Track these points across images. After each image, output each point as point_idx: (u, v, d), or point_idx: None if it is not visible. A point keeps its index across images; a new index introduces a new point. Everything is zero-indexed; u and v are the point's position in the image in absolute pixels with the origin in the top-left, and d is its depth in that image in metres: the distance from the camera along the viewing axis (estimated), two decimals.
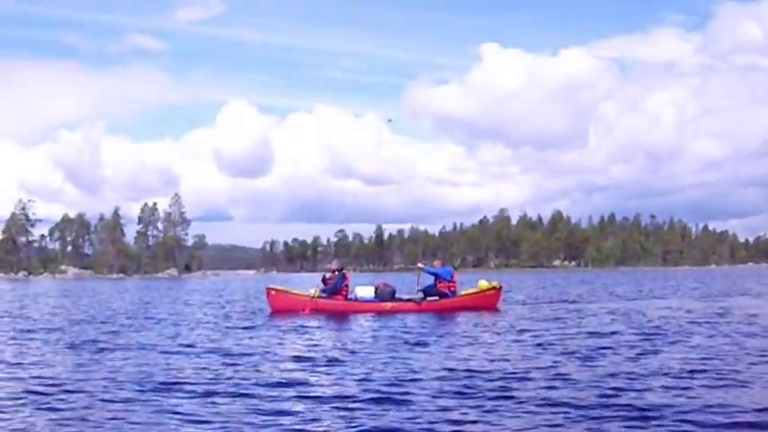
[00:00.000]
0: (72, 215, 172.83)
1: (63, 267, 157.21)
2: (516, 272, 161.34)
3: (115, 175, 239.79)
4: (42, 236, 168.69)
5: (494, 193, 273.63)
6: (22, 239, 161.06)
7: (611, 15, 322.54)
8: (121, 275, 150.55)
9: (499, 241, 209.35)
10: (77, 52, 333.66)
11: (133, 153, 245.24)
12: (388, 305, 23.95)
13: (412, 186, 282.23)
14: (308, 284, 27.84)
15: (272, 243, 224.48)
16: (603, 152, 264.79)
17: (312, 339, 16.58)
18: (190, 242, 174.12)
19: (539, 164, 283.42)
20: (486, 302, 25.02)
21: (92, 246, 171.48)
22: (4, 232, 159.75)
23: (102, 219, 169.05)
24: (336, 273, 24.58)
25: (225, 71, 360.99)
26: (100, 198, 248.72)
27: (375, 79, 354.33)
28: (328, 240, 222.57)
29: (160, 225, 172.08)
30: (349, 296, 24.52)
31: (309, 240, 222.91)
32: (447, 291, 24.80)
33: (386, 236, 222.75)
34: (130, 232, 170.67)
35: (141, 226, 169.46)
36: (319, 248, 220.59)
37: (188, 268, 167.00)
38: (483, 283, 25.40)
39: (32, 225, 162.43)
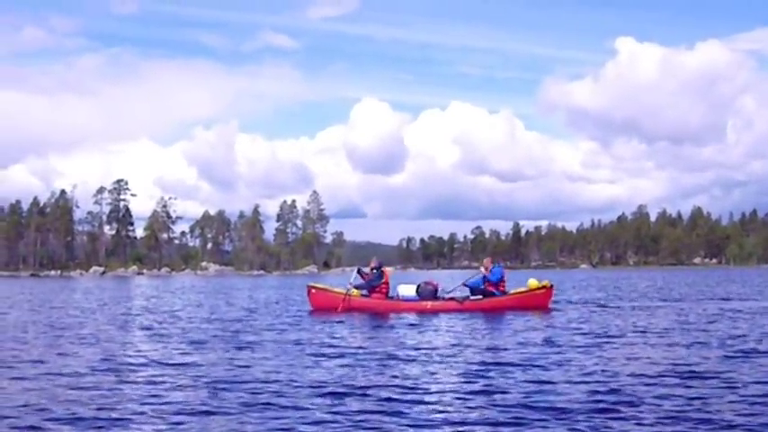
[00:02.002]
0: (208, 212, 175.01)
1: (204, 264, 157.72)
2: (655, 269, 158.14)
3: (249, 173, 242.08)
4: (183, 233, 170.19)
5: (629, 188, 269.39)
6: (164, 236, 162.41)
7: (749, 8, 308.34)
8: (261, 272, 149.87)
9: (638, 238, 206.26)
10: (212, 51, 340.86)
11: (267, 150, 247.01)
12: (429, 304, 23.10)
13: (546, 182, 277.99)
14: (446, 282, 26.98)
15: (409, 240, 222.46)
16: (742, 147, 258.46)
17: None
18: (328, 239, 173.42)
19: (675, 159, 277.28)
20: (536, 302, 23.63)
21: (231, 243, 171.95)
22: (146, 229, 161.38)
23: (241, 216, 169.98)
24: (374, 270, 24.08)
25: (357, 68, 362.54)
26: (234, 195, 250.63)
27: (509, 75, 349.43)
28: (465, 237, 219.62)
29: (299, 222, 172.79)
30: (390, 294, 24.00)
31: (446, 237, 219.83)
32: (494, 290, 23.50)
33: (523, 233, 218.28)
34: (267, 229, 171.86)
35: (280, 223, 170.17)
36: (455, 245, 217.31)
37: (326, 265, 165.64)
38: (533, 282, 24.17)
39: (173, 222, 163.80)
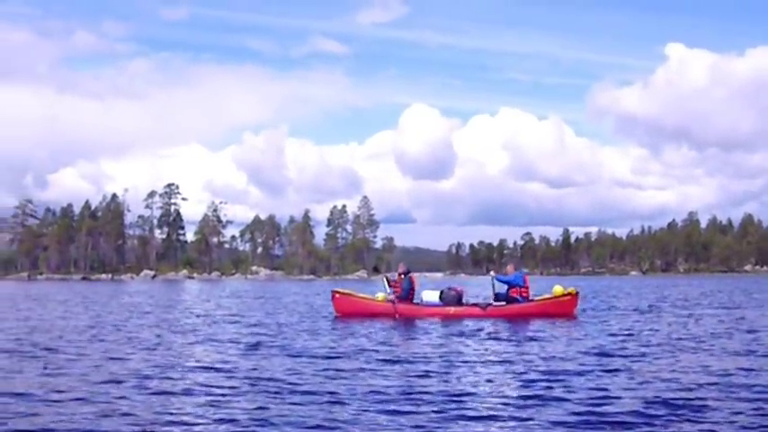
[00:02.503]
0: (259, 217, 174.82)
1: (254, 268, 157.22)
2: (706, 276, 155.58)
3: (298, 178, 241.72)
4: (233, 237, 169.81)
5: (679, 195, 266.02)
6: (214, 241, 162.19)
7: None
8: (311, 277, 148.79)
9: (688, 245, 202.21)
10: (262, 56, 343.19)
11: (316, 155, 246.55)
12: (452, 310, 22.95)
13: (596, 189, 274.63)
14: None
15: (458, 245, 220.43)
16: None
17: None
18: (378, 244, 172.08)
19: (725, 165, 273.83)
20: (561, 309, 23.18)
21: (281, 247, 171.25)
22: (196, 233, 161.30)
23: (292, 221, 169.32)
24: (402, 276, 23.99)
25: (407, 74, 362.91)
26: (283, 200, 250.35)
27: (558, 81, 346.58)
28: (515, 243, 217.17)
29: (349, 227, 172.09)
30: (414, 300, 23.92)
31: (495, 243, 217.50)
32: (518, 296, 23.05)
33: (572, 239, 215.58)
34: (317, 234, 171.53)
35: (330, 228, 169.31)
36: (505, 251, 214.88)
37: (376, 270, 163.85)
38: (558, 289, 23.82)
39: (224, 227, 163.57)
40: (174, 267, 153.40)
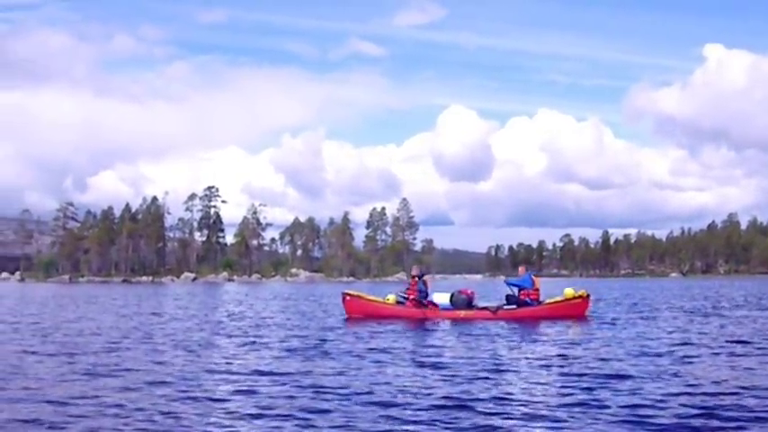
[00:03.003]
0: (298, 219, 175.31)
1: (294, 270, 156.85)
2: (747, 278, 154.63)
3: (336, 180, 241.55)
4: (273, 239, 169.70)
5: (718, 196, 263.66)
6: (254, 243, 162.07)
7: None
8: (351, 279, 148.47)
9: (729, 247, 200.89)
10: (299, 59, 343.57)
11: (354, 158, 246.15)
12: (462, 313, 22.76)
13: (634, 190, 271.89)
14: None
15: (497, 247, 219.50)
16: None
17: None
18: (417, 246, 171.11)
19: (764, 166, 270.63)
20: (572, 312, 22.99)
21: (321, 249, 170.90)
22: (236, 236, 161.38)
23: (331, 223, 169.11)
24: (417, 279, 23.89)
25: (445, 75, 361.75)
26: (321, 202, 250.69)
27: (597, 82, 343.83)
28: (554, 245, 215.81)
29: (388, 229, 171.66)
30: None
31: (534, 245, 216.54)
32: (527, 299, 22.99)
33: (612, 241, 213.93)
34: (355, 236, 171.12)
35: (370, 230, 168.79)
36: (545, 253, 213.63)
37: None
38: (569, 292, 23.57)
39: (263, 229, 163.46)
40: (214, 270, 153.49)
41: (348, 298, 24.74)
